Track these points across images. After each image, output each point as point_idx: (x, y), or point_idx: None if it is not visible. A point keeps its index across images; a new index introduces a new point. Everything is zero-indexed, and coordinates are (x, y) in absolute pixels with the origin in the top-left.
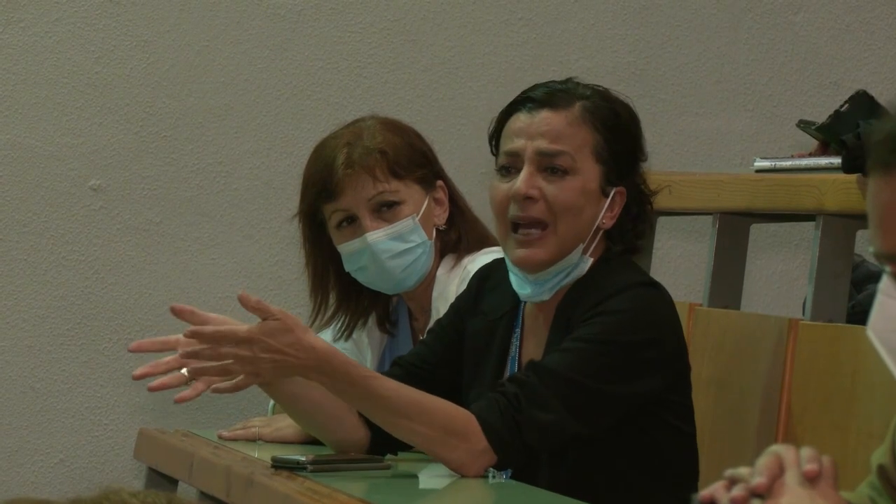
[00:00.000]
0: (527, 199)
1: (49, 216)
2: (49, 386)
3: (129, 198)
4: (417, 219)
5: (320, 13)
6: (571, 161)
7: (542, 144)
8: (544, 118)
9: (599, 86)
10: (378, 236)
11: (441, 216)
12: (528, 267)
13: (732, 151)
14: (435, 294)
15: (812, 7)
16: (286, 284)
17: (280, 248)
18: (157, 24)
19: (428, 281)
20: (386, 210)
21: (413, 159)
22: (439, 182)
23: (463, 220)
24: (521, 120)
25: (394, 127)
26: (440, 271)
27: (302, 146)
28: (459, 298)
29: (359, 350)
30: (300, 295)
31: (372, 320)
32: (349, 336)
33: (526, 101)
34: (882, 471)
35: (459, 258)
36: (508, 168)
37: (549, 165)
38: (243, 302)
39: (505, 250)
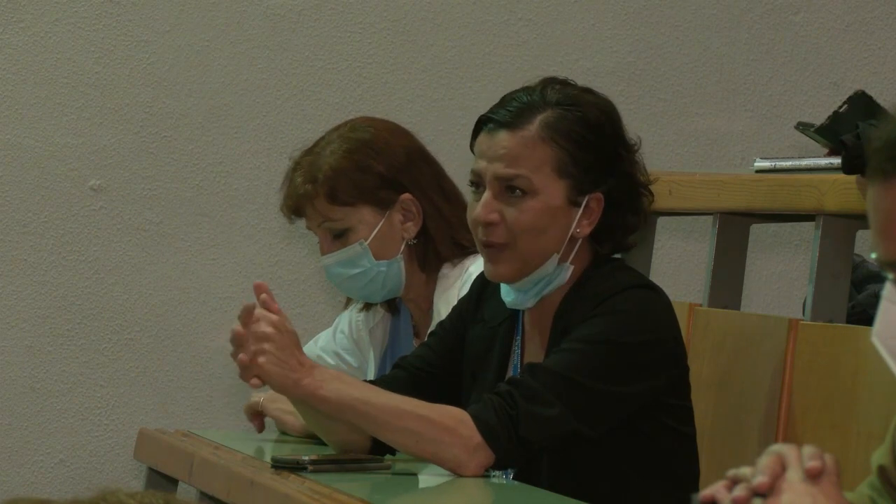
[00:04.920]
0: (488, 224)
1: (49, 216)
2: (49, 386)
3: (129, 198)
4: (367, 243)
5: (320, 13)
6: (529, 182)
7: (499, 169)
8: (500, 141)
9: (576, 87)
10: (328, 261)
11: (411, 229)
12: (496, 280)
13: (732, 151)
14: (436, 296)
15: (812, 7)
16: (286, 284)
17: (280, 248)
18: (157, 24)
19: (416, 289)
20: (338, 234)
21: (363, 184)
22: (406, 196)
23: (442, 227)
24: (483, 141)
25: (353, 146)
26: (443, 272)
27: (302, 146)
28: (461, 302)
29: (360, 350)
30: (300, 295)
31: (375, 309)
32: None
33: (488, 120)
34: (882, 471)
35: (455, 263)
36: (477, 184)
37: (508, 186)
38: (257, 289)
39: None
